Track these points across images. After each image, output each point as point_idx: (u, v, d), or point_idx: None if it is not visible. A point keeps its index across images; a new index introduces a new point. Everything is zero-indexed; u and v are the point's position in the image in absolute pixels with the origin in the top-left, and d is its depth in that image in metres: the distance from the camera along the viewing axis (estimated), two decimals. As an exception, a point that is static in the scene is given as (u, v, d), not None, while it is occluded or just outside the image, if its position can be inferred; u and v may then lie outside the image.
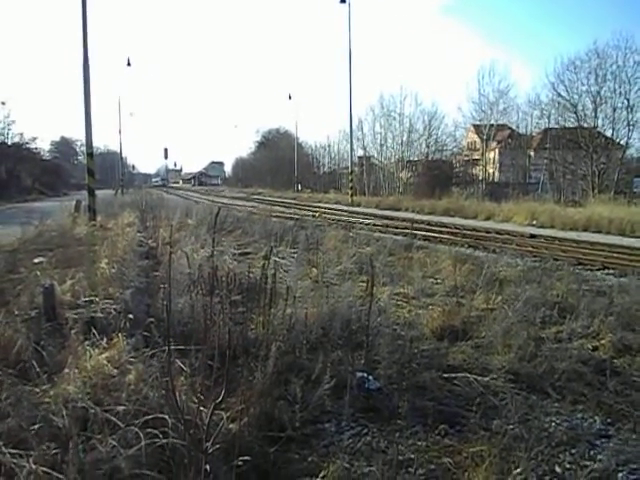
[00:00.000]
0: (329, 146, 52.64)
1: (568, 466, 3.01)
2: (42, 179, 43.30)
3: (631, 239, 13.79)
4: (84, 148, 15.17)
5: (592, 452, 3.18)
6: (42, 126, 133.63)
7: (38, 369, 3.15)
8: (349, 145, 34.13)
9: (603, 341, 4.88)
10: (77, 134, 64.49)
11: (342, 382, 3.66)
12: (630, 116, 28.90)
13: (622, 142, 29.59)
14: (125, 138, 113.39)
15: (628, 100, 28.80)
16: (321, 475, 2.80)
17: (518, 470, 2.86)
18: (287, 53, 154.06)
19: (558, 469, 2.98)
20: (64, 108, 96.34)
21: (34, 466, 2.33)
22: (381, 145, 41.89)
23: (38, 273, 5.72)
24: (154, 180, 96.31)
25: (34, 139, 44.78)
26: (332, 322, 4.78)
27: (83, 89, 13.66)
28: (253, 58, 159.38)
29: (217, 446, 2.59)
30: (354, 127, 35.93)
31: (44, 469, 2.33)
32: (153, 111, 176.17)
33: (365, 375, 3.92)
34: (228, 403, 3.11)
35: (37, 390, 2.98)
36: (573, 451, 3.17)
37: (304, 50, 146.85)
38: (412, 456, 3.05)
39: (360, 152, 43.96)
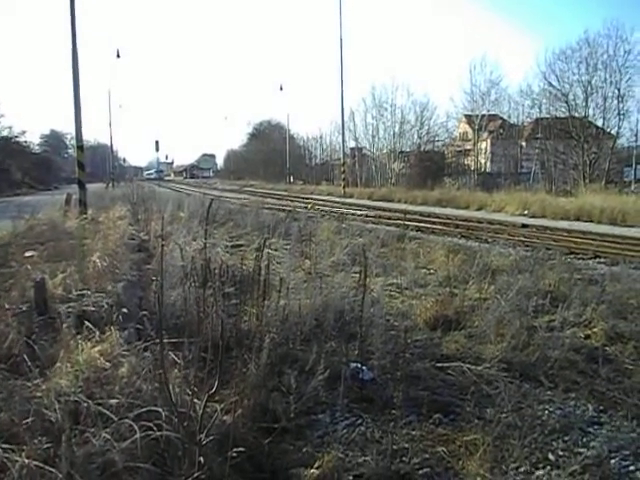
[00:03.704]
0: (321, 137, 52.44)
1: (561, 453, 3.04)
2: (32, 173, 42.98)
3: (622, 228, 13.86)
4: (74, 141, 14.96)
5: (585, 439, 3.21)
6: (31, 119, 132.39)
7: (30, 363, 3.13)
8: (341, 136, 34.05)
9: (595, 329, 4.91)
10: (67, 127, 63.61)
11: (336, 373, 3.66)
12: (621, 105, 28.91)
13: (613, 132, 29.64)
14: (115, 131, 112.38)
15: (619, 89, 28.78)
16: (316, 465, 2.80)
17: (512, 458, 2.88)
18: (278, 44, 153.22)
19: (551, 456, 3.00)
20: (53, 101, 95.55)
21: (27, 460, 2.31)
22: (373, 136, 41.75)
23: (29, 267, 5.67)
24: (147, 173, 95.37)
25: (23, 132, 44.33)
26: (326, 313, 4.79)
27: (72, 81, 13.47)
28: (244, 49, 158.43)
29: (211, 438, 2.59)
30: (346, 118, 35.77)
31: (37, 463, 2.31)
32: (143, 103, 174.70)
33: (359, 366, 3.93)
34: (222, 395, 3.10)
35: (29, 384, 2.95)
36: (566, 438, 3.19)
37: (295, 41, 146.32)
38: (406, 445, 3.06)
39: (352, 143, 43.88)
